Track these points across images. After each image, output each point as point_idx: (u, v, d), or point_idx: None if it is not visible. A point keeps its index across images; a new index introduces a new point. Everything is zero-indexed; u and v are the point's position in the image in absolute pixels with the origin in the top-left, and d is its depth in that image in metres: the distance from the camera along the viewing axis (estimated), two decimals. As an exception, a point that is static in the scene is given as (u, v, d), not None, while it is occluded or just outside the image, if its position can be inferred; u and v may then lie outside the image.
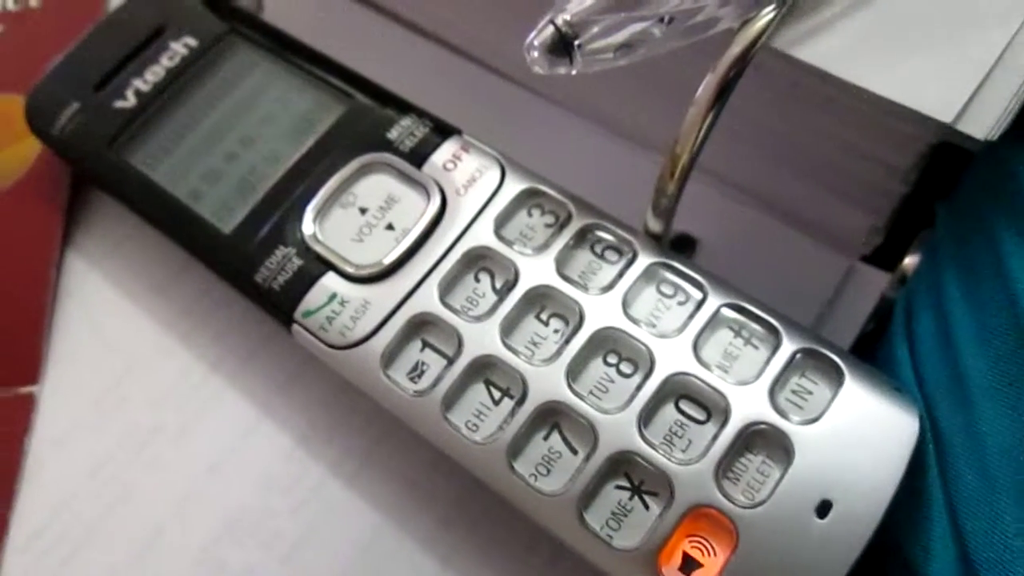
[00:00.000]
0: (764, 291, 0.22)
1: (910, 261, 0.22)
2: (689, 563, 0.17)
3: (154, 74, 0.25)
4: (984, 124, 0.17)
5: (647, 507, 0.18)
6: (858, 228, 0.23)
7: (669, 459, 0.18)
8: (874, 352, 0.21)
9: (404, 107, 0.23)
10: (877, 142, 0.20)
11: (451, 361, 0.19)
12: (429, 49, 0.28)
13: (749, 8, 0.17)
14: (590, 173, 0.25)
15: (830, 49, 0.18)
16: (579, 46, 0.17)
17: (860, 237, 0.23)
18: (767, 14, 0.17)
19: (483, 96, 0.27)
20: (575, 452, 0.18)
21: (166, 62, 0.25)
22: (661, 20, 0.17)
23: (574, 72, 0.18)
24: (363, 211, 0.21)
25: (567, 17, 0.17)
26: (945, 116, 0.17)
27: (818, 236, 0.24)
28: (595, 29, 0.17)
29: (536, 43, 0.18)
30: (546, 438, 0.19)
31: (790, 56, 0.18)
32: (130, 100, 0.24)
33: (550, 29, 0.18)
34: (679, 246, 0.24)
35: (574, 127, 0.26)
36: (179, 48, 0.25)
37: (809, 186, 0.23)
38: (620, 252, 0.20)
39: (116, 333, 0.24)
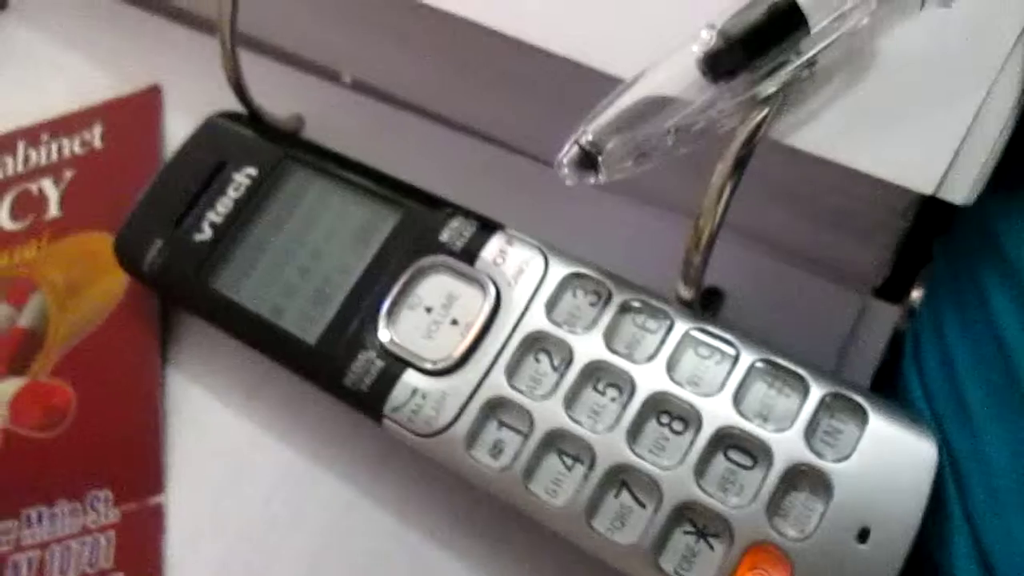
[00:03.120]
0: (788, 331, 0.25)
1: (917, 294, 0.24)
2: (754, 592, 0.20)
3: (224, 206, 0.28)
4: (963, 190, 0.19)
5: (712, 548, 0.20)
6: (867, 263, 0.26)
7: (726, 504, 0.20)
8: (892, 381, 0.24)
9: (451, 208, 0.26)
10: (875, 190, 0.23)
11: (526, 436, 0.22)
12: (459, 140, 0.31)
13: (746, 110, 0.20)
14: (619, 240, 0.28)
15: (819, 134, 0.21)
16: (602, 160, 0.20)
17: (869, 272, 0.26)
18: (760, 113, 0.20)
19: (514, 178, 0.30)
20: (644, 506, 0.21)
21: (232, 193, 0.28)
22: (669, 131, 0.20)
23: (601, 182, 0.21)
24: (428, 310, 0.24)
25: (589, 137, 0.20)
26: (927, 188, 0.19)
27: (831, 276, 0.26)
28: (613, 144, 0.20)
29: (565, 161, 0.21)
30: (617, 496, 0.21)
31: (785, 146, 0.21)
32: (207, 232, 0.28)
33: (576, 148, 0.21)
34: (707, 300, 0.26)
35: (601, 199, 0.29)
36: (242, 179, 0.28)
37: (817, 229, 0.26)
38: (658, 321, 0.23)
39: (222, 438, 0.27)
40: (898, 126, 0.20)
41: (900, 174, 0.20)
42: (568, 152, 0.21)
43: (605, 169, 0.20)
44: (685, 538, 0.21)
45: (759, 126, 0.20)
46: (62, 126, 0.35)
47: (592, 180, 0.21)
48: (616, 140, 0.20)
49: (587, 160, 0.20)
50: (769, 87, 0.20)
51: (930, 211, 0.24)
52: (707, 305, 0.26)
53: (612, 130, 0.20)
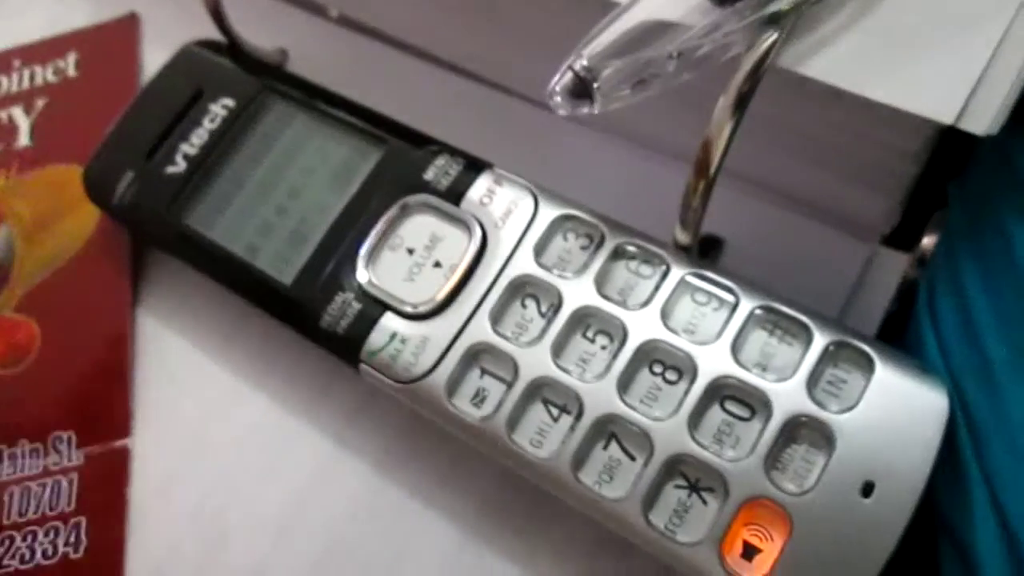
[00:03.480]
0: (791, 282, 0.24)
1: (928, 241, 0.23)
2: (749, 550, 0.19)
3: (199, 137, 0.26)
4: (984, 120, 0.18)
5: (705, 503, 0.19)
6: (875, 211, 0.24)
7: (721, 457, 0.19)
8: (902, 333, 0.23)
9: (437, 146, 0.24)
10: (886, 129, 0.22)
11: (509, 385, 0.21)
12: (448, 79, 0.30)
13: (753, 35, 0.19)
14: (614, 184, 0.26)
15: (832, 62, 0.19)
16: (597, 87, 0.19)
17: (877, 220, 0.24)
18: (769, 38, 0.19)
19: (505, 119, 0.29)
20: (633, 459, 0.20)
21: (208, 125, 0.27)
22: (671, 56, 0.19)
23: (596, 111, 0.19)
24: (411, 251, 0.23)
25: (584, 62, 0.19)
26: (946, 117, 0.18)
27: (837, 224, 0.25)
28: (610, 70, 0.19)
29: (558, 88, 0.19)
30: (605, 448, 0.20)
31: (796, 73, 0.19)
32: (180, 165, 0.26)
33: (569, 74, 0.19)
34: (706, 248, 0.25)
35: (596, 141, 0.27)
36: (218, 110, 0.27)
37: (823, 175, 0.24)
38: (653, 267, 0.22)
39: (193, 383, 0.26)
40: (916, 53, 0.19)
41: (918, 103, 0.18)
42: (561, 79, 0.19)
43: (601, 97, 0.19)
44: (677, 492, 0.19)
45: (767, 52, 0.19)
46: (35, 53, 0.33)
47: (586, 109, 0.19)
48: (613, 66, 0.19)
49: (581, 87, 0.19)
50: (779, 7, 0.19)
51: (943, 153, 0.22)
52: (705, 253, 0.24)
53: (609, 55, 0.19)
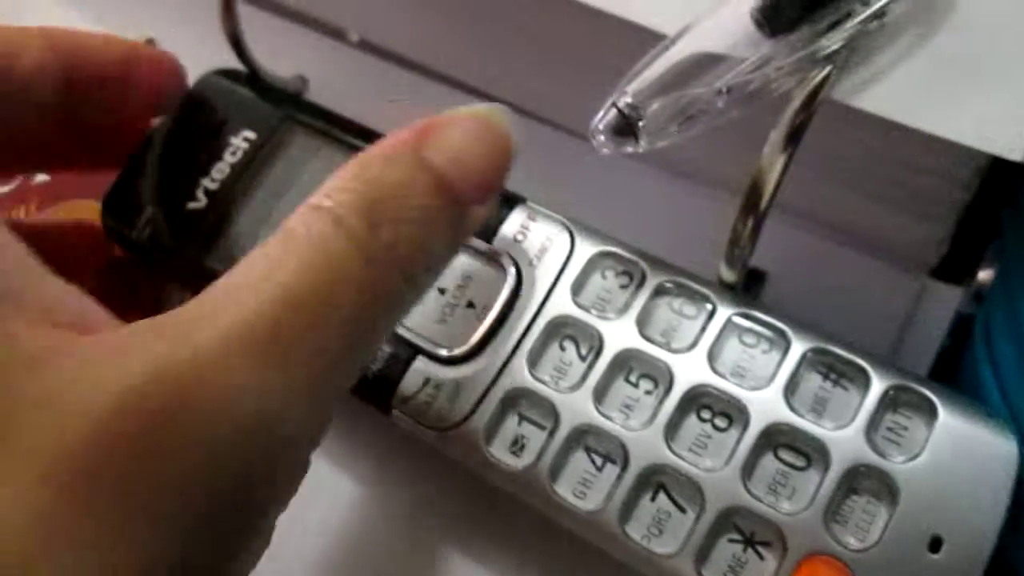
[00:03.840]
0: (837, 317, 0.23)
1: (984, 275, 0.22)
2: (810, 609, 0.18)
3: (220, 172, 0.26)
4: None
5: (762, 558, 0.18)
6: (923, 242, 0.23)
7: (776, 509, 0.18)
8: (956, 370, 0.22)
9: (466, 180, 0.23)
10: (936, 156, 0.21)
11: (551, 433, 0.20)
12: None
13: (805, 68, 0.18)
14: (653, 216, 0.25)
15: (889, 95, 0.18)
16: (643, 126, 0.18)
17: (926, 251, 0.23)
18: (823, 71, 0.18)
19: (536, 149, 0.28)
20: (684, 511, 0.19)
21: (229, 158, 0.26)
22: (719, 92, 0.18)
23: (640, 150, 0.18)
24: (442, 291, 0.22)
25: (629, 99, 0.18)
26: (1014, 154, 0.17)
27: (883, 255, 0.24)
28: (656, 107, 0.18)
29: (601, 126, 0.18)
30: (653, 499, 0.19)
31: (854, 108, 0.18)
32: (201, 200, 0.25)
33: (613, 111, 0.18)
34: (748, 282, 0.24)
35: (633, 172, 0.26)
36: (240, 143, 0.26)
37: (869, 204, 0.24)
38: (698, 306, 0.21)
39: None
40: (978, 84, 0.18)
41: (982, 138, 0.17)
42: (604, 116, 0.18)
43: (646, 135, 0.18)
44: (731, 547, 0.18)
45: (820, 86, 0.18)
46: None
47: (631, 148, 0.18)
48: (659, 102, 0.18)
49: (626, 125, 0.18)
50: (832, 42, 0.18)
51: (994, 181, 0.22)
52: (747, 287, 0.23)
53: (655, 91, 0.18)
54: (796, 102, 0.18)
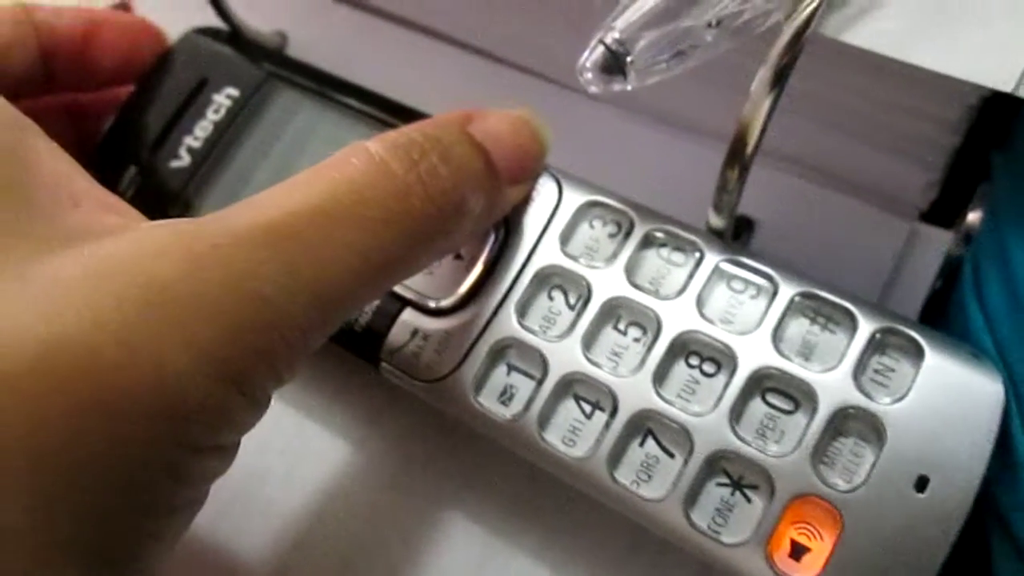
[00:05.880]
0: (828, 262, 0.23)
1: (973, 217, 0.22)
2: (798, 549, 0.18)
3: (203, 129, 0.25)
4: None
5: (750, 500, 0.18)
6: (913, 186, 0.23)
7: (764, 453, 0.18)
8: (945, 312, 0.22)
9: (451, 132, 0.23)
10: (925, 98, 0.20)
11: (539, 382, 0.20)
12: (462, 58, 0.28)
13: (794, 1, 0.18)
14: (641, 166, 0.25)
15: (880, 30, 0.18)
16: (631, 62, 0.18)
17: (916, 195, 0.23)
18: (811, 4, 0.17)
19: (520, 99, 0.27)
20: (672, 456, 0.19)
21: (212, 116, 0.25)
22: (709, 25, 0.18)
23: (629, 88, 0.18)
24: (430, 243, 0.22)
25: (616, 35, 0.18)
26: (1006, 85, 0.17)
27: (873, 200, 0.24)
28: (645, 42, 0.18)
29: (588, 64, 0.18)
30: (642, 445, 0.19)
31: (842, 43, 0.18)
32: (184, 158, 0.25)
33: (601, 49, 0.18)
34: (738, 230, 0.24)
35: (620, 121, 0.26)
36: (222, 100, 0.26)
37: (858, 148, 0.23)
38: (686, 254, 0.21)
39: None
40: (967, 17, 0.18)
41: (974, 71, 0.17)
42: (592, 54, 0.18)
43: (635, 72, 0.18)
44: (719, 491, 0.19)
45: (809, 20, 0.17)
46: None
47: (619, 86, 0.18)
48: (648, 38, 0.18)
49: (614, 62, 0.18)
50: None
51: (984, 124, 0.21)
52: (737, 235, 0.23)
53: (643, 26, 0.18)
54: (784, 37, 0.17)
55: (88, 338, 0.14)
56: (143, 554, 0.15)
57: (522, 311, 0.21)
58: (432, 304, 0.21)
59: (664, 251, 0.21)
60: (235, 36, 0.27)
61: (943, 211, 0.23)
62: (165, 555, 0.16)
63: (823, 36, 0.18)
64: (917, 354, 0.18)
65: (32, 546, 0.13)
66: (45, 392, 0.13)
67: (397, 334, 0.21)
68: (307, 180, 0.17)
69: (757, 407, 0.19)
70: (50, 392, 0.13)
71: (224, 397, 0.15)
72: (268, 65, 0.26)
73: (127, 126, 0.26)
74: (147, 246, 0.15)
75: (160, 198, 0.25)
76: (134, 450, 0.14)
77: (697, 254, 0.20)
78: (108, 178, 0.26)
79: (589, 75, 0.18)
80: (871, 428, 0.18)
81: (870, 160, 0.23)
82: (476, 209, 0.19)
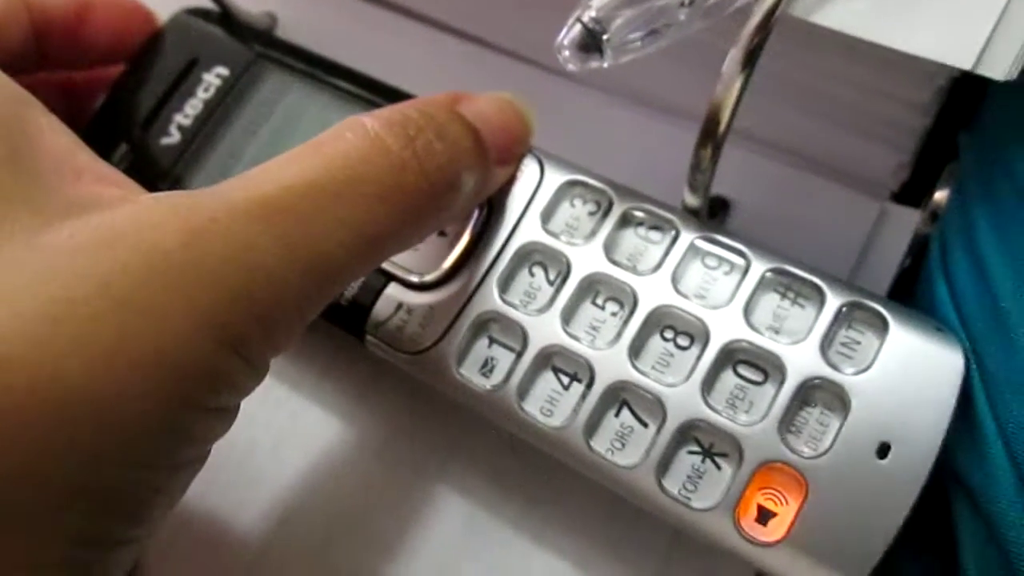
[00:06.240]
0: (800, 241, 0.23)
1: (940, 195, 0.22)
2: (765, 514, 0.18)
3: (193, 108, 0.26)
4: (1003, 65, 0.18)
5: (719, 468, 0.19)
6: (884, 167, 0.24)
7: (734, 422, 0.19)
8: (913, 289, 0.22)
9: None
10: (896, 80, 0.21)
11: (519, 354, 0.21)
12: (448, 41, 0.29)
13: (764, -17, 0.18)
14: (619, 147, 0.26)
15: (847, 10, 0.19)
16: (607, 39, 0.18)
17: (887, 176, 0.24)
18: (782, -14, 0.18)
19: (504, 81, 0.28)
20: (646, 425, 0.20)
21: (202, 95, 0.26)
22: (682, 4, 0.18)
23: (606, 65, 0.19)
24: (414, 220, 0.23)
25: (593, 13, 0.18)
26: (965, 63, 0.18)
27: (846, 181, 0.24)
28: (620, 21, 0.18)
29: (566, 42, 0.19)
30: (617, 415, 0.20)
31: (809, 22, 0.19)
32: (175, 136, 0.26)
33: (578, 27, 0.18)
34: (713, 209, 0.25)
35: (600, 103, 0.27)
36: (212, 79, 0.26)
37: (831, 130, 0.24)
38: (663, 231, 0.21)
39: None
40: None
41: (936, 50, 0.18)
42: (569, 32, 0.18)
43: (611, 50, 0.18)
44: (690, 458, 0.19)
45: (779, 0, 0.18)
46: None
47: (596, 63, 0.19)
48: (623, 16, 0.18)
49: (591, 40, 0.18)
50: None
51: (953, 105, 0.22)
52: (713, 214, 0.24)
53: (618, 5, 0.18)
54: (755, 17, 0.18)
55: (94, 301, 0.14)
56: (145, 507, 0.16)
57: (504, 286, 0.21)
58: (416, 279, 0.22)
59: (641, 229, 0.21)
60: (225, 17, 0.28)
61: (914, 191, 0.24)
62: (166, 510, 0.17)
63: (793, 17, 0.18)
64: (882, 327, 0.19)
65: (35, 487, 0.14)
66: (55, 350, 0.14)
67: (382, 308, 0.22)
68: (303, 154, 0.18)
69: (728, 378, 0.20)
70: (60, 354, 0.14)
71: (225, 360, 0.16)
72: (258, 46, 0.27)
73: (118, 104, 0.27)
74: (148, 217, 0.16)
75: (150, 174, 0.25)
76: (137, 407, 0.15)
77: (673, 232, 0.21)
78: (99, 154, 0.26)
79: (567, 53, 0.18)
80: (836, 398, 0.19)
81: (842, 142, 0.24)
82: (468, 187, 0.19)
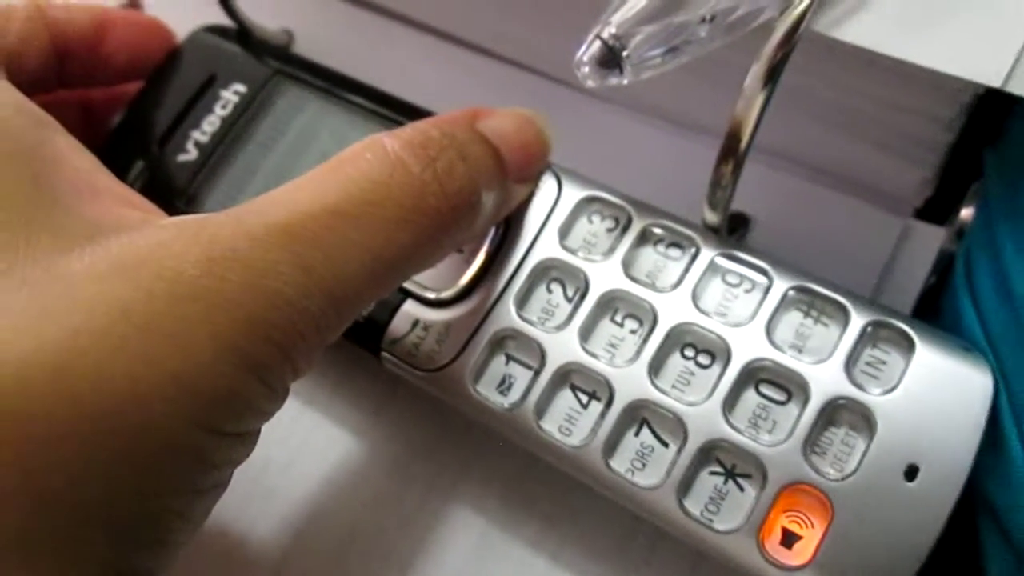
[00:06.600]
0: (822, 258, 0.23)
1: (966, 213, 0.22)
2: (789, 537, 0.18)
3: (211, 124, 0.26)
4: (1032, 82, 0.17)
5: (742, 489, 0.19)
6: (908, 183, 0.23)
7: (757, 442, 0.19)
8: (938, 307, 0.22)
9: (454, 128, 0.24)
10: (921, 96, 0.21)
11: (537, 372, 0.20)
12: (466, 57, 0.29)
13: (786, -1, 0.18)
14: (638, 162, 0.26)
15: (871, 26, 0.18)
16: (627, 56, 0.18)
17: (911, 193, 0.24)
18: (804, 1, 0.18)
19: (522, 97, 0.28)
20: (667, 445, 0.19)
21: (220, 111, 0.26)
22: (703, 20, 0.18)
23: (625, 82, 0.18)
24: (431, 236, 0.22)
25: (612, 30, 0.18)
26: (993, 81, 0.17)
27: (869, 197, 0.24)
28: (640, 37, 0.18)
29: (585, 59, 0.18)
30: (637, 434, 0.20)
31: (833, 39, 0.18)
32: (192, 153, 0.26)
33: (597, 44, 0.18)
34: (733, 226, 0.24)
35: (618, 118, 0.27)
36: (230, 96, 0.26)
37: (853, 146, 0.24)
38: (682, 248, 0.21)
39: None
40: (959, 14, 0.18)
41: (963, 66, 0.17)
42: (588, 48, 0.18)
43: (630, 67, 0.18)
44: (712, 479, 0.19)
45: (802, 16, 0.18)
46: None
47: (615, 80, 0.18)
48: (643, 32, 0.18)
49: (610, 57, 0.18)
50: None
51: (978, 122, 0.22)
52: (732, 231, 0.24)
53: (638, 21, 0.18)
54: (777, 33, 0.18)
55: (116, 328, 0.14)
56: (169, 533, 0.16)
57: (521, 303, 0.21)
58: (433, 295, 0.22)
59: (660, 246, 0.21)
60: (243, 34, 0.28)
61: (938, 208, 0.24)
62: (190, 536, 0.16)
63: (816, 33, 0.18)
64: (908, 346, 0.19)
65: (61, 515, 0.14)
66: (80, 380, 0.14)
67: (398, 324, 0.22)
68: (322, 177, 0.17)
69: (750, 397, 0.19)
70: (84, 383, 0.14)
71: (246, 386, 0.15)
72: (275, 62, 0.27)
73: (136, 121, 0.27)
74: (169, 243, 0.16)
75: (168, 191, 0.25)
76: (161, 433, 0.14)
77: (693, 249, 0.21)
78: (116, 171, 0.26)
79: (586, 69, 0.18)
80: (862, 418, 0.18)
81: (865, 158, 0.23)
82: (488, 206, 0.19)
